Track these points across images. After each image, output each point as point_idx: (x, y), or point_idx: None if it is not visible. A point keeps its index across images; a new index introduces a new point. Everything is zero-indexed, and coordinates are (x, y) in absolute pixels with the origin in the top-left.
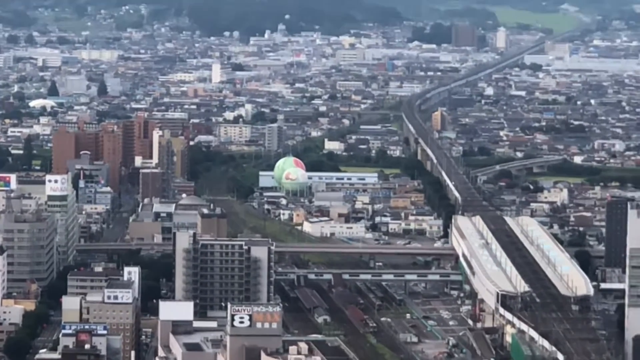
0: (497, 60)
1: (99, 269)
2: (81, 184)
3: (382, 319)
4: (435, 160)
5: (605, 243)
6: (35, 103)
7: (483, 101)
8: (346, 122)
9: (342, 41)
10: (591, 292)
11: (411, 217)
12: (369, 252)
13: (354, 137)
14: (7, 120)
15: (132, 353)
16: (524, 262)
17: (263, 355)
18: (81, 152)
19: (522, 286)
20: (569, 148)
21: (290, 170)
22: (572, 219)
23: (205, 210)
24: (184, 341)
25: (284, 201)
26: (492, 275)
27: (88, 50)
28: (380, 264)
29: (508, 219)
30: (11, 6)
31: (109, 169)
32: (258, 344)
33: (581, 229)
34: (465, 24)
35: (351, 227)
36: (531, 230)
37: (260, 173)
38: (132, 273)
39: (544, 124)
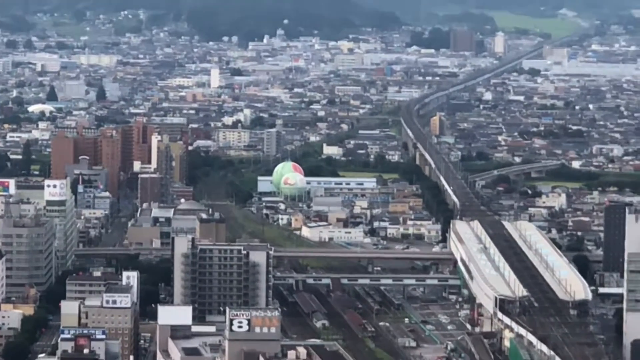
0: (495, 65)
1: (97, 273)
2: (80, 188)
3: (381, 323)
4: (433, 165)
5: (604, 248)
6: (34, 108)
7: (481, 106)
8: (345, 127)
9: (341, 46)
10: (589, 296)
11: (409, 222)
12: (367, 256)
13: (352, 142)
14: (5, 125)
15: (131, 358)
16: (522, 266)
17: None
18: (80, 157)
19: (520, 291)
20: (567, 153)
21: (288, 175)
22: (570, 223)
23: (204, 215)
24: (182, 346)
25: (282, 206)
26: (491, 280)
27: (87, 55)
28: (379, 268)
29: (506, 224)
30: (10, 11)
31: (108, 174)
32: (257, 349)
33: (579, 233)
34: (464, 29)
35: (349, 232)
36: (529, 235)
37: (259, 178)
38: (130, 278)
39: (542, 128)
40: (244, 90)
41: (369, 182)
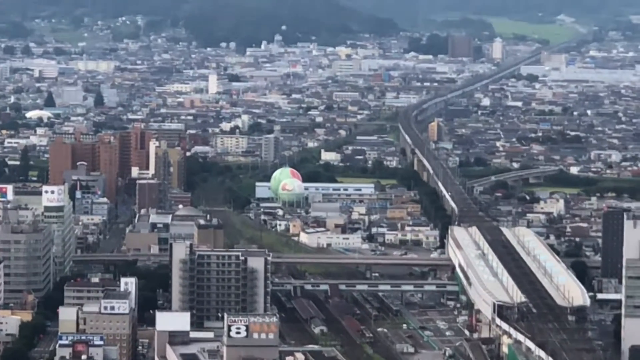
0: (493, 71)
1: (95, 279)
2: (78, 194)
3: (379, 329)
4: (431, 171)
5: (602, 254)
6: (32, 114)
7: (479, 112)
8: (342, 132)
9: (339, 52)
10: (588, 302)
11: (407, 228)
12: (365, 262)
13: (350, 147)
14: (3, 131)
15: None
16: (520, 272)
17: None
18: (78, 163)
19: (518, 297)
20: (566, 159)
21: (286, 181)
22: (568, 229)
23: (202, 221)
24: (180, 352)
25: (280, 212)
26: (489, 286)
27: (84, 61)
28: (377, 274)
29: (504, 230)
30: (8, 17)
31: (106, 180)
32: (255, 355)
33: (577, 239)
34: (462, 34)
35: (348, 238)
36: (527, 241)
37: (257, 184)
38: (128, 284)
39: (540, 134)
40: (242, 96)
41: (367, 188)
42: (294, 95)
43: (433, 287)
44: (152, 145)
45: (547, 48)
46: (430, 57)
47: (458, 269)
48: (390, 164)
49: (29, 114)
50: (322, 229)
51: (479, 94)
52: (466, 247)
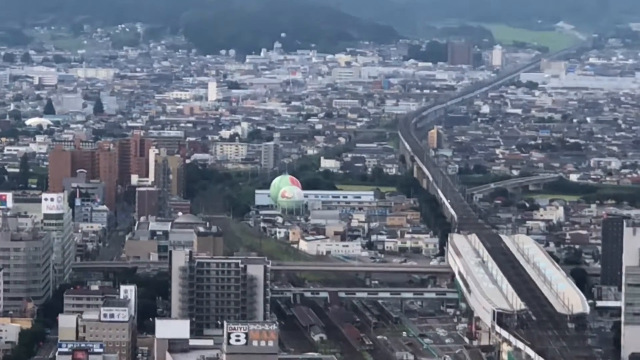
0: (493, 78)
1: (95, 287)
2: (77, 202)
3: (379, 337)
4: (431, 178)
5: (601, 261)
6: (32, 121)
7: (479, 119)
8: (342, 140)
9: (338, 59)
10: (587, 310)
11: (407, 235)
12: (365, 270)
13: (350, 155)
14: (3, 139)
15: None
16: (520, 280)
17: None
18: (77, 171)
19: (518, 304)
20: (565, 166)
21: (286, 189)
22: (568, 236)
23: (202, 229)
24: (180, 359)
25: (280, 219)
26: (488, 293)
27: (84, 68)
28: (377, 282)
29: (504, 237)
30: (7, 25)
31: (105, 188)
32: None
33: (577, 246)
34: (461, 42)
35: (347, 245)
36: (527, 248)
37: (256, 191)
38: (128, 291)
39: (540, 141)
40: (242, 103)
41: (367, 195)
42: (293, 103)
43: (433, 295)
44: (152, 152)
45: (546, 55)
46: (430, 64)
47: (458, 277)
48: (390, 172)
49: (28, 122)
50: (322, 236)
51: (479, 101)
52: (466, 254)
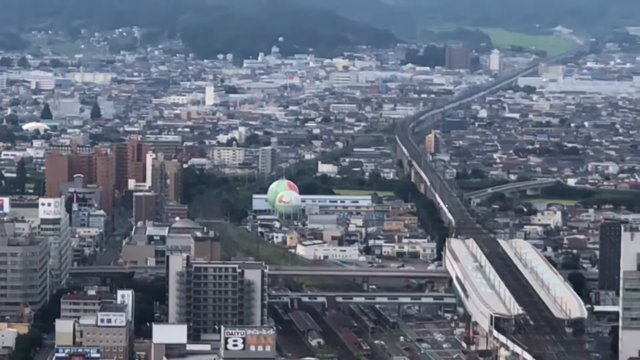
0: (490, 82)
1: (92, 292)
2: (74, 207)
3: (376, 341)
4: (428, 183)
5: (599, 265)
6: (29, 126)
7: (477, 123)
8: (340, 144)
9: (336, 63)
10: (585, 314)
11: (405, 240)
12: (362, 274)
13: (347, 159)
14: (0, 144)
15: None
16: (517, 284)
17: None
18: (74, 175)
19: (515, 309)
20: (563, 170)
21: (283, 193)
22: (565, 241)
23: (199, 234)
24: None
25: (277, 224)
26: (486, 298)
27: (81, 73)
28: (374, 286)
29: (502, 242)
30: (4, 29)
31: (102, 192)
32: None
33: (575, 251)
34: (459, 46)
35: (344, 250)
36: (525, 253)
37: (254, 196)
38: (125, 296)
39: (537, 146)
40: (239, 108)
41: (364, 200)
42: (291, 107)
43: (430, 300)
44: (149, 157)
45: (544, 59)
46: (428, 68)
47: (455, 281)
48: (388, 176)
49: (25, 126)
50: (319, 241)
51: (476, 106)
52: (463, 259)
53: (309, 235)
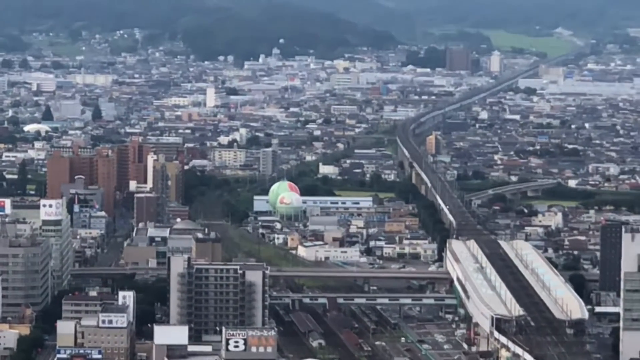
0: (491, 84)
1: (93, 293)
2: (76, 208)
3: (377, 342)
4: (429, 184)
5: (600, 267)
6: (30, 128)
7: (477, 125)
8: (340, 146)
9: (337, 65)
10: (586, 315)
11: (405, 241)
12: (363, 276)
13: (348, 161)
14: (1, 145)
15: None
16: (518, 285)
17: None
18: (76, 177)
19: (516, 310)
20: (564, 172)
21: (284, 195)
22: (566, 242)
23: (200, 235)
24: None
25: (278, 225)
26: (487, 299)
27: (82, 74)
28: (375, 288)
29: (502, 243)
30: (5, 31)
31: (104, 194)
32: None
33: (576, 252)
34: (460, 47)
35: (346, 251)
36: (525, 254)
37: (255, 197)
38: (126, 297)
39: (538, 147)
40: (240, 109)
41: (365, 201)
42: (292, 109)
43: (431, 301)
44: (150, 158)
45: (545, 61)
46: (428, 70)
47: (456, 282)
48: (388, 178)
49: (26, 128)
50: (320, 242)
51: (477, 107)
52: (464, 260)
53: (310, 237)
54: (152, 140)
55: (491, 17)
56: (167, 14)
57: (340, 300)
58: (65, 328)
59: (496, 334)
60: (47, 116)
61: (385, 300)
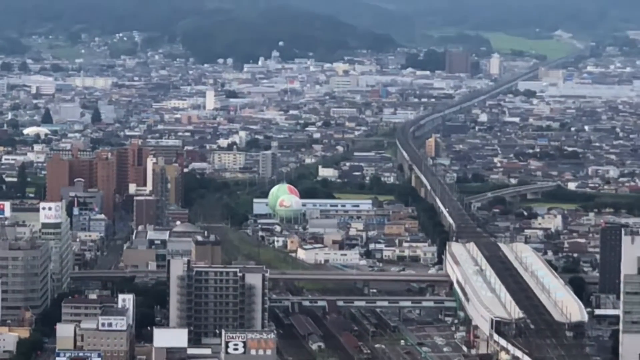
0: (491, 86)
1: (93, 296)
2: (75, 211)
3: (377, 345)
4: (429, 187)
5: (600, 269)
6: (29, 130)
7: (477, 128)
8: (340, 148)
9: (336, 68)
10: (585, 318)
11: (405, 244)
12: (363, 278)
13: (348, 163)
14: (1, 148)
15: None
16: (518, 288)
17: None
18: (75, 180)
19: (516, 312)
20: (563, 174)
21: (284, 197)
22: (566, 245)
23: (200, 238)
24: None
25: (278, 228)
26: (487, 302)
27: (82, 77)
28: (375, 290)
29: (502, 246)
30: (5, 33)
31: (103, 197)
32: None
33: (575, 255)
34: (459, 50)
35: (345, 254)
36: (525, 257)
37: (255, 200)
38: (126, 300)
39: (537, 150)
40: (239, 112)
41: (365, 204)
42: (291, 112)
43: (431, 303)
44: (150, 161)
45: (544, 64)
46: (428, 72)
47: (456, 285)
48: (388, 180)
49: (26, 131)
50: (320, 245)
51: (477, 110)
52: (464, 263)
53: (310, 239)
54: (152, 143)
55: (491, 19)
56: (167, 16)
57: (340, 303)
58: (64, 331)
59: (496, 336)
60: (47, 119)
61: (385, 303)
